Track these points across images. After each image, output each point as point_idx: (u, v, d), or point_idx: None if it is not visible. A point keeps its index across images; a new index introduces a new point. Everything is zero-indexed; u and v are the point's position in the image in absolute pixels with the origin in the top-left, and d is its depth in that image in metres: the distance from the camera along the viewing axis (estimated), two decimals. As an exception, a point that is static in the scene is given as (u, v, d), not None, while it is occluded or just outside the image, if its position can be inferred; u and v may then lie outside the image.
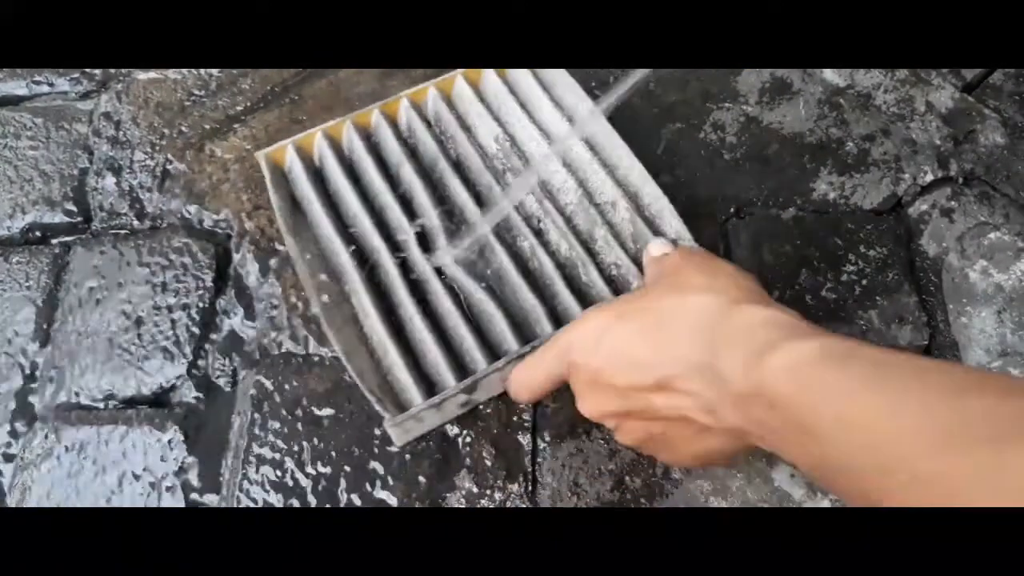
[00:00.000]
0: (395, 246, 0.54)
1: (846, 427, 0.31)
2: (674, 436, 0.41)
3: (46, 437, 0.52)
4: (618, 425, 0.43)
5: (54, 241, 0.60)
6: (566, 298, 0.50)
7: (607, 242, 0.53)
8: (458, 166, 0.58)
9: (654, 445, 0.43)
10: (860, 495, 0.31)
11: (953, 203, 0.59)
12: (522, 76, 0.60)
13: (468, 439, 0.50)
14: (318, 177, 0.57)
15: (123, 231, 0.60)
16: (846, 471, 0.31)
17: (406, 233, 0.54)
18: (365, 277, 0.52)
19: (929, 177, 0.60)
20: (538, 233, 0.54)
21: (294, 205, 0.56)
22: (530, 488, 0.49)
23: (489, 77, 0.61)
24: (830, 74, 0.65)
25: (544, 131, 0.58)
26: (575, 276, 0.53)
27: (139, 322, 0.55)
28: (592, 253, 0.54)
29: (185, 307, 0.56)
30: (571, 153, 0.57)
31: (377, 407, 0.47)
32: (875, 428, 0.30)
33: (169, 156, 0.63)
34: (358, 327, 0.52)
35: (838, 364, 0.32)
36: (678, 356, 0.38)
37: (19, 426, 0.53)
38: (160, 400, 0.53)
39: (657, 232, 0.54)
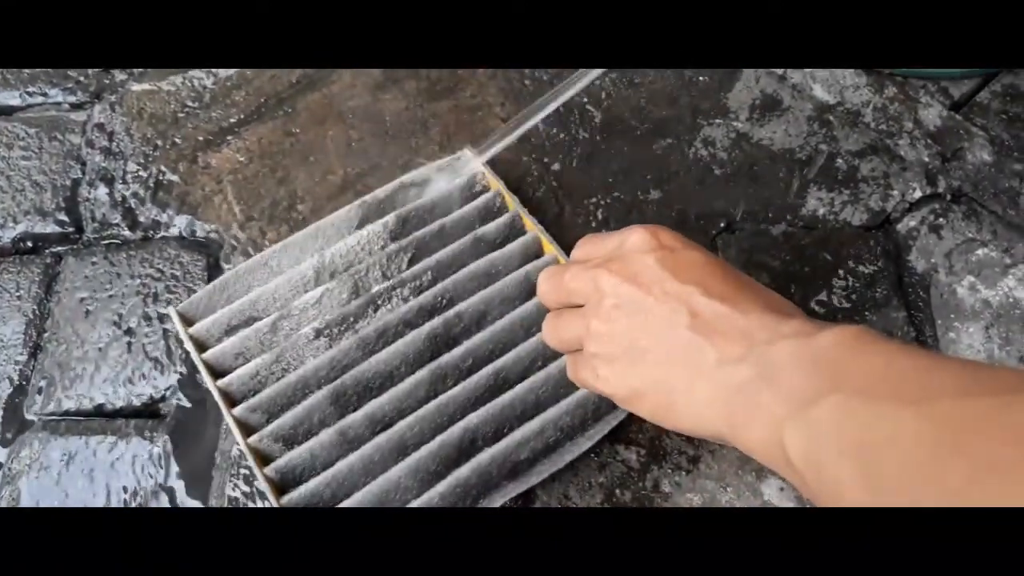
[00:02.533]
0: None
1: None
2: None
3: (34, 447, 0.51)
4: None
5: (45, 251, 0.60)
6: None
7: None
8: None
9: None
10: None
11: (941, 220, 0.59)
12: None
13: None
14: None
15: (115, 241, 0.60)
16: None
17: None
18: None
19: (918, 194, 0.61)
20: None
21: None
22: (520, 500, 0.49)
23: None
24: (820, 91, 0.65)
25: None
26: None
27: (130, 332, 0.55)
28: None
29: (176, 318, 0.55)
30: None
31: None
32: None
33: (162, 167, 0.63)
34: None
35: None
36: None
37: (8, 436, 0.52)
38: (150, 410, 0.53)
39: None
